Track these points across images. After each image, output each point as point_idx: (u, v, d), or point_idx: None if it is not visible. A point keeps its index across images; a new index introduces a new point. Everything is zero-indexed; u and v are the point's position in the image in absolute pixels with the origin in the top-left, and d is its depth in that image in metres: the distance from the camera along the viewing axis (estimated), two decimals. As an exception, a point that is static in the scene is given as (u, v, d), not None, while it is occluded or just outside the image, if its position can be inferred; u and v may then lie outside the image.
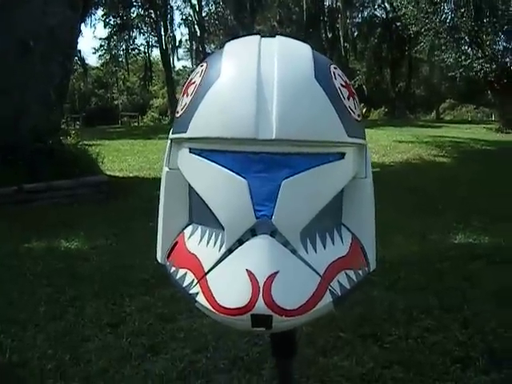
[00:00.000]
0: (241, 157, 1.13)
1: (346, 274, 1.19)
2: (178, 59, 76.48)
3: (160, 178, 1.33)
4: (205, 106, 1.16)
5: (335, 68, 1.25)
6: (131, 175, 10.09)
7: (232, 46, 1.27)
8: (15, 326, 3.36)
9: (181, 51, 40.05)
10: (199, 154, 1.19)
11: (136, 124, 35.78)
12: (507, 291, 3.71)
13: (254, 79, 1.13)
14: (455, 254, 4.65)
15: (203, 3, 34.70)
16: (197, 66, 1.30)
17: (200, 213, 1.25)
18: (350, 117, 1.20)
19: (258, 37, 1.26)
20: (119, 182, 9.05)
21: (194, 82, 1.23)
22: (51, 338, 3.20)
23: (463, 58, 21.77)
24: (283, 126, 1.09)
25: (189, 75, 1.36)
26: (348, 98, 1.21)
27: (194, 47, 36.31)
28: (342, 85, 1.22)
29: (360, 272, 1.24)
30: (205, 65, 1.25)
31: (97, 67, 42.71)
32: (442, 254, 4.66)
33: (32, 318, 3.48)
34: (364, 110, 25.44)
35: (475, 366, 2.75)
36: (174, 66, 41.16)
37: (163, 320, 3.41)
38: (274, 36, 1.29)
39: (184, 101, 1.24)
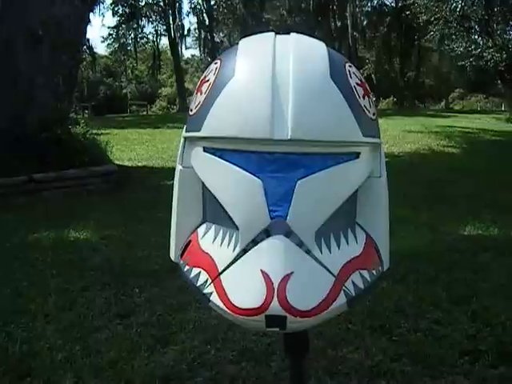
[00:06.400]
0: (255, 157, 1.12)
1: (361, 274, 1.19)
2: (187, 48, 76.43)
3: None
4: (219, 105, 1.15)
5: (350, 66, 1.23)
6: (140, 165, 10.07)
7: (246, 44, 1.25)
8: (25, 316, 3.37)
9: (189, 40, 40.11)
10: (213, 153, 1.18)
11: (144, 113, 35.80)
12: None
13: (269, 79, 1.11)
14: (464, 246, 4.64)
15: (212, -8, 34.69)
16: (211, 64, 1.29)
17: (214, 212, 1.24)
18: (365, 116, 1.19)
19: (272, 34, 1.25)
20: (128, 171, 9.03)
21: (207, 80, 1.22)
22: (61, 329, 3.20)
23: (473, 47, 21.71)
24: (298, 126, 1.08)
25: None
26: (363, 97, 1.21)
27: (203, 36, 36.27)
28: (357, 83, 1.21)
29: (374, 272, 1.24)
30: (219, 62, 1.24)
31: (105, 56, 42.78)
32: (452, 246, 4.64)
33: (42, 308, 3.48)
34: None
35: (484, 360, 2.74)
36: (183, 55, 41.25)
37: (172, 311, 3.41)
38: (289, 33, 1.27)
39: (198, 99, 1.23)
